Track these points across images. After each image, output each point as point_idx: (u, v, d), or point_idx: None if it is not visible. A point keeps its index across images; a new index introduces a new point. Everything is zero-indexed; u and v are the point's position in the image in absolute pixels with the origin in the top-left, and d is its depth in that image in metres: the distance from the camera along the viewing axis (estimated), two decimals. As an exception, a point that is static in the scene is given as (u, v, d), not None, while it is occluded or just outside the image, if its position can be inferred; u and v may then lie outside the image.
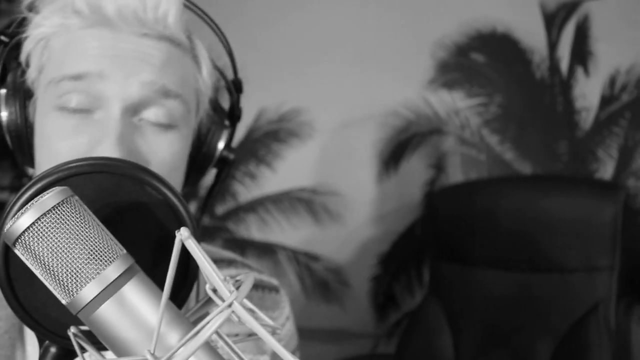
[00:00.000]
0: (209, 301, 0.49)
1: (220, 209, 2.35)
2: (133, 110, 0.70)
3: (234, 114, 0.88)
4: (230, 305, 0.39)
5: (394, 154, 2.33)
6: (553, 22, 2.23)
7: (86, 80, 0.68)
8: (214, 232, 2.33)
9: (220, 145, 0.84)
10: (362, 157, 2.36)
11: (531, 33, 2.25)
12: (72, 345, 0.48)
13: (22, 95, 0.75)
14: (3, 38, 0.77)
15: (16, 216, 0.40)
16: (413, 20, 2.30)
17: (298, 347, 0.99)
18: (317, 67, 2.29)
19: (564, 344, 1.75)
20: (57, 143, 0.69)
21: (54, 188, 0.42)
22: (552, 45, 2.24)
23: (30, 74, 0.75)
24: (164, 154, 0.72)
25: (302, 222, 2.36)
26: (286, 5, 2.30)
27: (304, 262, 2.34)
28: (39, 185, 0.46)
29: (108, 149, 0.66)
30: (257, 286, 0.95)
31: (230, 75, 0.88)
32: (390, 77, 2.30)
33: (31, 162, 0.76)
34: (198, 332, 0.39)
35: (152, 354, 0.39)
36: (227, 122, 0.86)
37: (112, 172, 0.48)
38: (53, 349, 0.51)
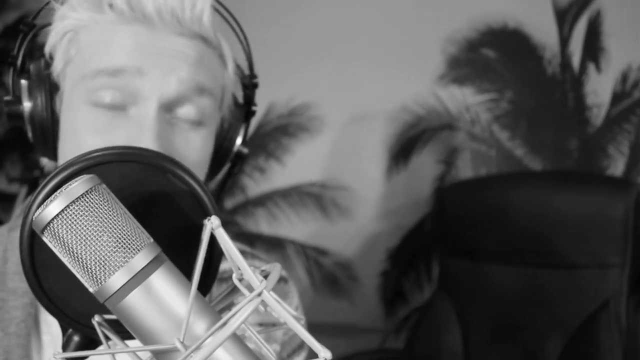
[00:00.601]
0: (233, 290, 0.49)
1: (230, 203, 2.35)
2: (168, 107, 0.71)
3: (249, 110, 0.89)
4: (259, 295, 0.39)
5: (404, 149, 2.33)
6: (565, 17, 2.22)
7: (123, 76, 0.68)
8: (223, 225, 2.33)
9: (239, 140, 0.85)
10: (371, 152, 2.35)
11: (543, 29, 2.24)
12: (95, 334, 0.48)
13: (49, 87, 0.74)
14: (23, 28, 0.76)
15: (45, 204, 0.40)
16: (424, 16, 2.29)
17: None
18: (327, 62, 2.29)
19: (574, 340, 1.75)
20: (87, 137, 0.69)
21: (81, 176, 0.42)
22: (564, 41, 2.23)
23: (56, 67, 0.75)
24: (196, 150, 0.73)
25: (311, 217, 2.36)
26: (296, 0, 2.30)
27: (313, 257, 2.34)
28: (64, 174, 0.46)
29: (149, 146, 0.66)
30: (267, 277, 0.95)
31: (245, 70, 0.89)
32: (401, 72, 2.29)
33: (53, 154, 0.76)
34: (227, 321, 0.39)
35: (182, 342, 0.39)
36: (243, 117, 0.87)
37: (137, 161, 0.48)
38: (76, 338, 0.51)
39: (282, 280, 0.97)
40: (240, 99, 0.88)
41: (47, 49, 0.75)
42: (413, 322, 2.05)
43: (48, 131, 0.74)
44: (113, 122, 0.69)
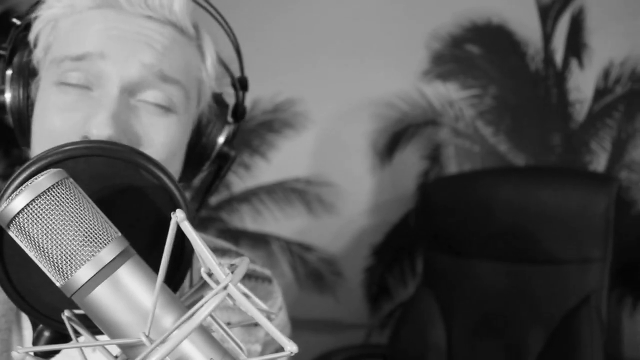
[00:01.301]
0: (204, 285, 0.49)
1: (214, 199, 2.35)
2: (131, 90, 0.70)
3: (238, 111, 0.88)
4: (225, 288, 0.39)
5: (388, 145, 2.33)
6: (548, 14, 2.23)
7: (87, 60, 0.69)
8: (207, 222, 2.33)
9: (220, 139, 0.83)
10: (356, 148, 2.35)
11: (526, 25, 2.25)
12: (65, 329, 0.48)
13: (27, 75, 0.75)
14: (15, 21, 0.78)
15: (10, 198, 0.40)
16: (408, 12, 2.29)
17: (290, 337, 0.99)
18: (312, 58, 2.28)
19: (556, 334, 1.76)
20: (52, 117, 0.70)
21: (48, 170, 0.42)
22: (547, 37, 2.24)
23: (37, 54, 0.76)
24: (160, 137, 0.71)
25: (296, 213, 2.36)
26: (281, -5, 2.30)
27: (298, 253, 2.35)
28: (33, 168, 0.46)
29: (101, 125, 0.66)
30: (250, 276, 0.95)
31: (236, 72, 0.88)
32: (385, 68, 2.29)
33: (29, 142, 0.76)
34: (193, 314, 0.39)
35: (147, 336, 0.39)
36: (230, 119, 0.86)
37: (107, 156, 0.48)
38: (47, 333, 0.51)
39: (266, 280, 0.97)
40: (227, 99, 0.87)
41: (31, 37, 0.76)
42: (397, 318, 2.05)
43: (24, 118, 0.75)
44: (76, 102, 0.69)
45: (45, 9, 0.75)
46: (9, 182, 0.46)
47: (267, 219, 2.36)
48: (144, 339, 0.39)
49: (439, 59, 2.31)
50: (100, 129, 0.65)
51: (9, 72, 0.76)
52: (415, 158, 2.33)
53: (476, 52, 2.30)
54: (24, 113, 0.75)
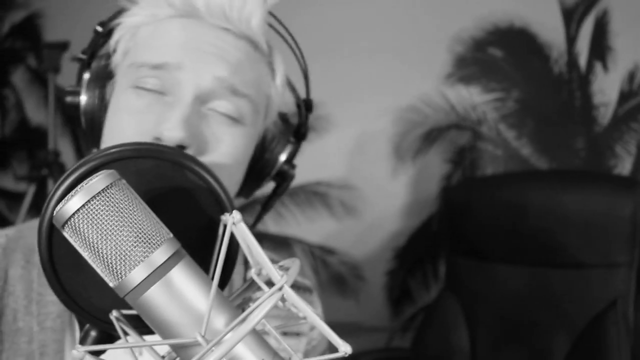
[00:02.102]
0: (251, 285, 0.49)
1: (237, 202, 2.35)
2: (203, 99, 0.71)
3: (300, 131, 0.88)
4: (280, 289, 0.39)
5: (411, 149, 2.33)
6: (572, 16, 2.22)
7: (165, 69, 0.71)
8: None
9: (282, 157, 0.84)
10: (378, 151, 2.35)
11: (549, 28, 2.23)
12: (112, 329, 0.48)
13: (104, 77, 0.77)
14: (98, 28, 0.80)
15: (66, 199, 0.40)
16: (430, 15, 2.29)
17: (329, 348, 0.99)
18: (334, 61, 2.29)
19: (581, 339, 1.74)
20: (125, 118, 0.71)
21: (101, 171, 0.42)
22: (571, 40, 2.23)
23: (116, 58, 0.77)
24: (226, 144, 0.73)
25: (318, 216, 2.36)
26: (303, -2, 2.31)
27: (320, 256, 2.35)
28: (83, 169, 0.47)
29: (173, 128, 0.67)
30: (292, 286, 0.95)
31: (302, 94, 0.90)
32: (408, 71, 2.29)
33: (98, 143, 0.77)
34: (247, 316, 0.39)
35: (203, 337, 0.39)
36: (292, 139, 0.86)
37: (155, 157, 0.48)
38: (93, 333, 0.51)
39: (307, 290, 0.97)
40: (292, 118, 0.88)
41: (112, 43, 0.78)
42: (420, 322, 2.04)
43: (97, 119, 0.77)
44: (151, 105, 0.71)
45: (128, 16, 0.77)
46: (59, 182, 0.46)
47: (290, 222, 2.36)
48: (200, 339, 0.39)
49: (461, 62, 2.30)
50: (172, 132, 0.66)
51: (86, 75, 0.78)
52: (438, 161, 2.32)
53: (499, 55, 2.29)
54: (96, 114, 0.77)
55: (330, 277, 2.36)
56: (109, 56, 0.78)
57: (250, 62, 0.75)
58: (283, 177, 0.86)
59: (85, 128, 0.78)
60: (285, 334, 0.87)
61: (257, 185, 0.85)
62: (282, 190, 0.88)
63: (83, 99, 0.77)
